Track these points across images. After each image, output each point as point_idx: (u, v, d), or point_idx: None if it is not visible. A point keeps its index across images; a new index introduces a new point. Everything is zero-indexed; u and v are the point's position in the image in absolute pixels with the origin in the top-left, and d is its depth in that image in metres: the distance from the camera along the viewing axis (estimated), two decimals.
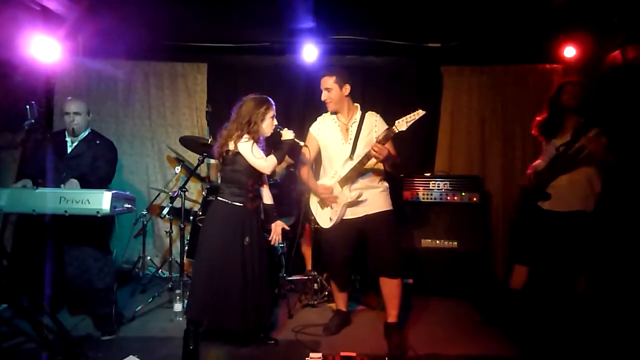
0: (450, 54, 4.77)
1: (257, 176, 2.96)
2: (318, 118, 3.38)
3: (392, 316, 3.18)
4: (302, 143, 3.10)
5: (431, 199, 4.31)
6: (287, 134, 2.98)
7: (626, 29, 3.91)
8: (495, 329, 3.38)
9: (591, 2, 3.79)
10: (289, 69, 4.92)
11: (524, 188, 3.53)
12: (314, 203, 3.38)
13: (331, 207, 3.22)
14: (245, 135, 2.85)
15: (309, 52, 4.63)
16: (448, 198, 4.29)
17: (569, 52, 4.59)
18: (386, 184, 3.29)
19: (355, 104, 3.28)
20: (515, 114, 4.83)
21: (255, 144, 2.87)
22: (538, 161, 3.52)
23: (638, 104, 3.93)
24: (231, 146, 2.86)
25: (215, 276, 2.83)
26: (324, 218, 3.28)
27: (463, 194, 4.29)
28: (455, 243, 4.23)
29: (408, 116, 2.87)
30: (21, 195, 2.82)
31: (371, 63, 4.97)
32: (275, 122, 2.98)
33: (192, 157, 4.48)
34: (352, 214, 3.18)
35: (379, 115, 3.26)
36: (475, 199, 4.29)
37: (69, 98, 3.46)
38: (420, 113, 2.85)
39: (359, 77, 4.83)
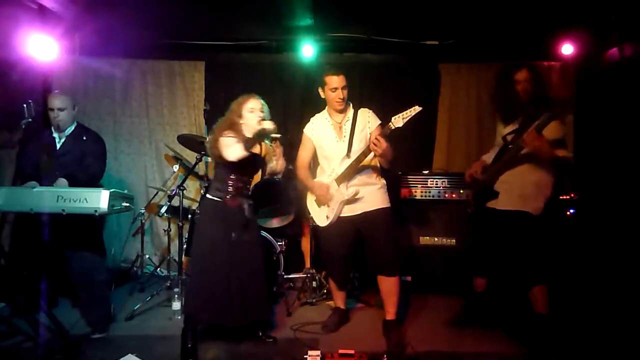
0: (448, 51, 4.77)
1: (238, 172, 2.95)
2: (311, 119, 3.38)
3: (391, 313, 3.19)
4: (277, 135, 2.91)
5: (429, 196, 4.31)
6: (265, 124, 2.85)
7: (623, 26, 3.92)
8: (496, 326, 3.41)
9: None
10: (287, 67, 4.92)
11: (473, 184, 3.30)
12: (310, 202, 3.38)
13: (328, 205, 3.22)
14: (228, 131, 2.84)
15: (307, 50, 4.63)
16: (446, 195, 4.29)
17: (567, 49, 4.59)
18: (383, 181, 3.29)
19: (348, 102, 3.28)
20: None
21: (233, 138, 2.80)
22: (488, 154, 3.35)
23: (635, 101, 3.94)
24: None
25: (204, 271, 2.87)
26: (321, 216, 3.28)
27: (461, 191, 4.29)
28: (454, 240, 4.24)
29: (404, 112, 2.87)
30: (19, 194, 2.82)
31: (369, 61, 4.96)
32: (260, 114, 2.92)
33: (190, 156, 4.47)
34: (349, 211, 3.18)
35: (371, 111, 3.27)
36: None
37: (54, 92, 3.42)
38: (416, 109, 2.84)
39: (356, 75, 4.84)
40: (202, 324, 2.96)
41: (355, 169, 3.12)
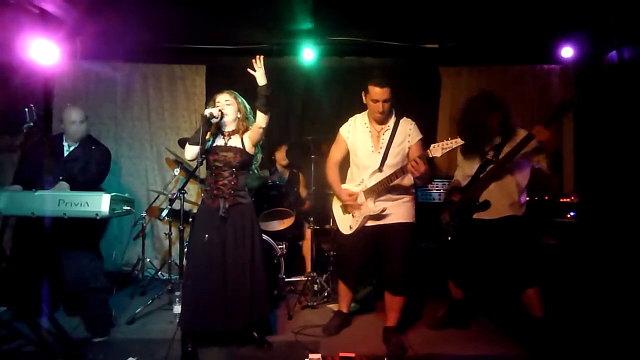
0: (448, 54, 4.78)
1: (216, 172, 2.93)
2: (350, 119, 3.24)
3: (391, 320, 3.17)
4: (216, 117, 2.84)
5: (430, 199, 4.31)
6: (206, 110, 2.87)
7: (622, 29, 3.93)
8: (495, 329, 3.41)
9: (588, 3, 3.80)
10: (288, 71, 4.93)
11: (450, 202, 3.34)
12: (336, 207, 3.31)
13: (353, 215, 3.14)
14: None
15: (308, 54, 4.65)
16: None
17: (566, 52, 4.61)
18: (412, 194, 3.17)
19: (390, 111, 3.09)
20: (513, 114, 4.84)
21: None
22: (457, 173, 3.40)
23: (635, 104, 3.95)
24: None
25: (191, 277, 2.86)
26: (344, 224, 3.21)
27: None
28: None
29: (444, 143, 2.74)
30: (20, 198, 2.82)
31: (369, 64, 4.97)
32: (220, 105, 2.92)
33: None
34: (372, 222, 3.09)
35: (413, 124, 3.10)
36: None
37: (69, 105, 3.48)
38: (458, 142, 2.73)
39: (357, 79, 4.85)
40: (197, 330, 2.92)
41: (386, 187, 2.99)
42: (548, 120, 2.89)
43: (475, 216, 3.16)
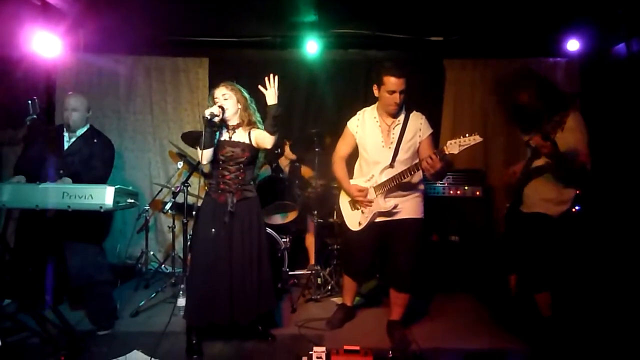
0: (453, 47, 4.74)
1: (222, 166, 2.90)
2: (358, 112, 3.15)
3: (396, 314, 3.16)
4: (211, 112, 2.75)
5: (434, 193, 4.30)
6: (206, 111, 2.76)
7: (631, 20, 3.88)
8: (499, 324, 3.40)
9: None
10: (291, 63, 4.90)
11: (508, 188, 3.26)
12: (344, 202, 3.24)
13: (362, 212, 3.08)
14: None
15: (311, 46, 4.62)
16: (451, 192, 4.28)
17: (572, 45, 4.56)
18: (421, 189, 3.10)
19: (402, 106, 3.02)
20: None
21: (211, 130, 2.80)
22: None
23: None
24: None
25: (196, 270, 2.87)
26: (353, 220, 3.15)
27: (466, 187, 4.28)
28: (458, 237, 4.22)
29: (462, 139, 2.62)
30: (24, 190, 2.82)
31: (373, 57, 4.93)
32: (218, 102, 2.85)
33: (194, 153, 4.46)
34: (380, 217, 3.04)
35: (424, 118, 3.04)
36: (478, 193, 4.28)
37: (70, 93, 3.42)
38: (476, 139, 2.60)
39: (361, 72, 4.83)
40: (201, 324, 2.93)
41: (398, 183, 2.92)
42: (545, 132, 2.72)
43: (520, 208, 3.10)
